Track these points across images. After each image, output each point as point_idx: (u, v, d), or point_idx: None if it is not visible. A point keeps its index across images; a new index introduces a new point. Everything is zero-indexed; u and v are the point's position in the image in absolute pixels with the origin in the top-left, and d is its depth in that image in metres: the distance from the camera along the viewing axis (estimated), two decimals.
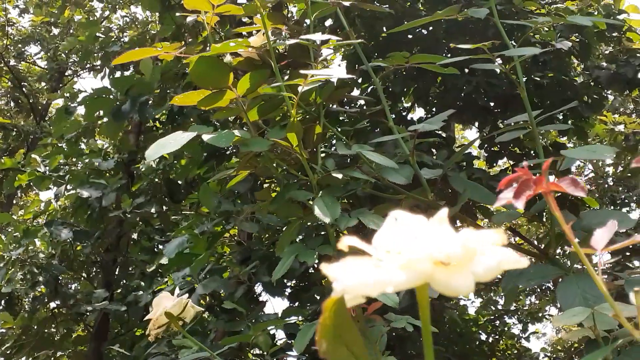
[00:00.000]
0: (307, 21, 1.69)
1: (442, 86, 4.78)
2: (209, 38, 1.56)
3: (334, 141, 2.31)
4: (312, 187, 1.52)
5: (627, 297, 0.64)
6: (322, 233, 2.60)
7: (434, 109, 4.86)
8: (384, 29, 4.65)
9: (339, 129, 2.06)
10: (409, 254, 0.41)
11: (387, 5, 4.75)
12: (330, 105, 1.85)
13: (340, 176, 1.53)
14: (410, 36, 4.53)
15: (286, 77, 1.53)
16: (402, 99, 5.00)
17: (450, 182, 1.76)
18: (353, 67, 4.89)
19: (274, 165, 1.56)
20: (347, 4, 1.57)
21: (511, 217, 1.90)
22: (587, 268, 0.55)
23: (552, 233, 1.60)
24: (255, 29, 1.52)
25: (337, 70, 1.27)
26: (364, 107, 3.00)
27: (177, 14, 4.64)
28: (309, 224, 2.21)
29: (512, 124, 1.79)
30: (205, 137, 1.31)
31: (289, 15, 5.79)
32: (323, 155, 1.60)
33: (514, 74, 1.56)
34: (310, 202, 1.47)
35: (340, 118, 3.43)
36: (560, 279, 1.38)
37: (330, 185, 1.57)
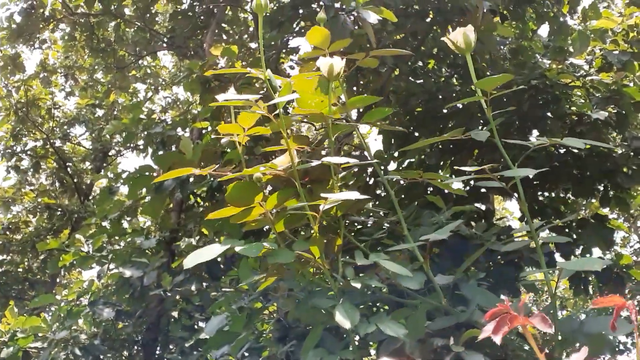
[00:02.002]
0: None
1: (480, 159, 4.79)
2: (241, 159, 1.75)
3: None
4: (333, 294, 1.64)
5: None
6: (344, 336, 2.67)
7: (471, 182, 4.86)
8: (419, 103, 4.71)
9: (359, 237, 2.20)
10: None
11: (422, 81, 4.84)
12: (350, 215, 2.01)
13: (359, 285, 1.65)
14: (445, 110, 4.58)
15: (310, 191, 1.68)
16: (439, 172, 5.02)
17: (461, 289, 1.85)
18: (389, 141, 4.95)
19: (299, 273, 1.68)
20: (363, 127, 1.71)
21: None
22: None
23: (556, 339, 1.63)
24: (282, 148, 1.65)
25: (353, 194, 1.43)
26: (382, 216, 3.16)
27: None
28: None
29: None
30: (237, 249, 1.47)
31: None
32: (343, 262, 1.73)
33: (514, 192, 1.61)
34: (332, 309, 1.58)
35: (360, 227, 3.51)
36: None
37: (350, 292, 1.65)
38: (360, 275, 1.71)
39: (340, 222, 1.77)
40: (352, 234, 3.51)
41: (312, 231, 1.59)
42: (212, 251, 1.46)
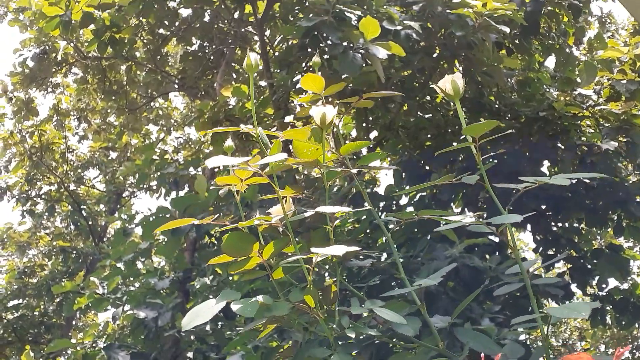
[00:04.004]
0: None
1: (493, 190, 4.79)
2: (239, 210, 1.79)
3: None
4: (330, 343, 1.66)
5: None
6: None
7: (485, 214, 4.85)
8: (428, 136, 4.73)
9: (356, 283, 2.23)
10: None
11: (430, 115, 4.87)
12: (348, 260, 2.03)
13: (353, 334, 1.68)
14: (454, 143, 4.60)
15: (308, 239, 1.73)
16: (452, 205, 5.02)
17: (455, 333, 1.87)
18: (400, 175, 4.97)
19: (296, 322, 1.71)
20: (354, 171, 1.75)
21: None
22: None
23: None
24: (276, 196, 1.70)
25: (340, 249, 1.44)
26: (378, 260, 3.19)
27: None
28: None
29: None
30: (234, 308, 1.49)
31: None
32: (339, 310, 1.76)
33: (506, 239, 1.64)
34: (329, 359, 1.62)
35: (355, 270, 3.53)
36: None
37: (347, 341, 1.69)
38: (355, 323, 1.74)
39: (336, 269, 1.80)
40: (351, 279, 3.52)
41: (307, 282, 1.62)
42: (210, 310, 1.49)
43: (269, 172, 1.61)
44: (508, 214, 1.56)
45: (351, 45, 3.95)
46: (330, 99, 1.82)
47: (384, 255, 3.53)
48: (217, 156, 1.60)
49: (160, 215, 4.45)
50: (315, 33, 4.12)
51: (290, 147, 1.73)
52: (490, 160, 4.45)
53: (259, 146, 1.67)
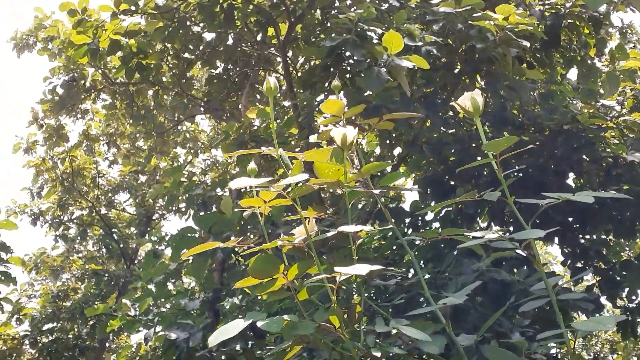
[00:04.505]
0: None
1: (518, 205, 4.76)
2: (263, 232, 1.83)
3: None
4: None
5: None
6: None
7: (510, 228, 4.82)
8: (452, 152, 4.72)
9: (382, 300, 2.24)
10: None
11: (454, 130, 4.86)
12: (372, 280, 2.06)
13: (379, 354, 1.71)
14: (479, 158, 4.59)
15: (332, 259, 1.75)
16: (478, 219, 4.99)
17: (482, 351, 1.85)
18: (425, 190, 4.96)
19: (322, 341, 1.73)
20: (377, 192, 1.77)
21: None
22: None
23: None
24: (300, 217, 1.71)
25: (363, 268, 1.46)
26: (404, 278, 3.19)
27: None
28: None
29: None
30: (260, 324, 1.52)
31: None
32: (365, 329, 1.79)
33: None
34: None
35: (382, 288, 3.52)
36: None
37: None
38: (381, 342, 1.74)
39: (360, 289, 1.81)
40: (379, 297, 3.51)
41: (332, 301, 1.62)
42: (237, 327, 1.52)
43: (292, 195, 1.63)
44: (531, 230, 1.56)
45: (374, 62, 3.97)
46: (352, 118, 1.84)
47: (412, 272, 3.52)
48: (241, 178, 1.64)
49: (187, 235, 4.48)
50: (339, 52, 4.15)
51: (314, 166, 1.76)
52: (514, 175, 4.43)
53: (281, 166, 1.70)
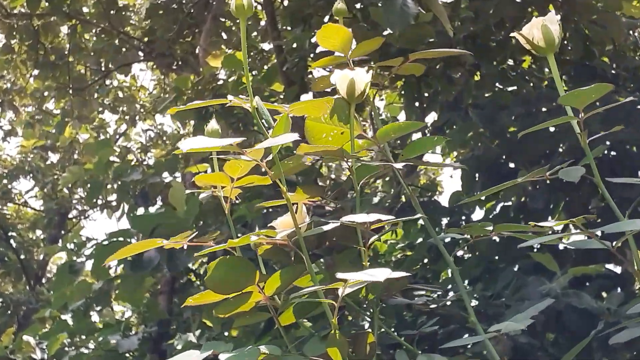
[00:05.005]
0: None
1: (611, 191, 4.76)
2: (230, 227, 1.76)
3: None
4: None
5: None
6: None
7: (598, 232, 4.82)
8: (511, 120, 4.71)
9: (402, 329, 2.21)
10: None
11: (515, 87, 4.86)
12: (390, 298, 1.99)
13: None
14: (552, 129, 4.58)
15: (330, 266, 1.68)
16: (549, 217, 4.98)
17: None
18: (472, 177, 4.96)
19: None
20: (399, 166, 1.67)
21: None
22: None
23: None
24: (283, 202, 1.64)
25: (381, 273, 1.36)
26: (436, 297, 3.14)
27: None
28: None
29: None
30: (222, 358, 1.46)
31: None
32: None
33: None
34: None
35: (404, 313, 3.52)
36: None
37: None
38: None
39: (373, 310, 1.76)
40: (393, 325, 3.51)
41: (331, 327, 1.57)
42: None
43: (275, 173, 1.57)
44: (629, 221, 1.53)
45: None
46: (364, 65, 1.80)
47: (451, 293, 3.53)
48: (196, 137, 1.54)
49: (117, 239, 4.47)
50: None
51: (305, 129, 1.69)
52: (607, 149, 4.43)
53: (260, 131, 1.62)
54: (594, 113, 1.57)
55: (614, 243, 1.60)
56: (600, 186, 1.57)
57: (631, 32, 4.98)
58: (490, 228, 1.77)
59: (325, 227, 1.62)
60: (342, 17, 1.91)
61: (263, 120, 1.57)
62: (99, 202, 10.44)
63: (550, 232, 1.66)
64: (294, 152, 1.61)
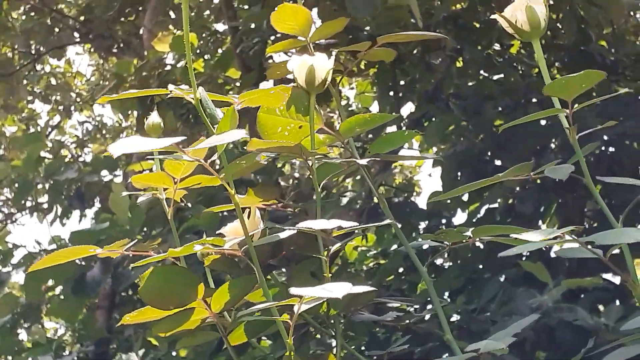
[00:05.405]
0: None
1: (607, 200, 4.79)
2: (173, 232, 1.75)
3: None
4: None
5: None
6: None
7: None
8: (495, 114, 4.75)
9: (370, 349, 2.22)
10: None
11: (502, 75, 4.88)
12: (355, 313, 1.96)
13: None
14: (543, 122, 4.61)
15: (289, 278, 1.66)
16: (539, 221, 5.01)
17: None
18: (453, 176, 4.98)
19: None
20: (364, 162, 1.64)
21: None
22: None
23: None
24: (231, 207, 1.60)
25: (340, 288, 1.34)
26: (412, 311, 3.14)
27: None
28: None
29: None
30: None
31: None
32: None
33: None
34: None
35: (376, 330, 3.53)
36: None
37: None
38: None
39: (337, 327, 1.75)
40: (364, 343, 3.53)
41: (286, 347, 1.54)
42: None
43: (225, 174, 1.54)
44: (623, 229, 1.51)
45: None
46: (330, 49, 1.77)
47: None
48: (131, 138, 1.50)
49: (54, 249, 4.46)
50: None
51: (257, 122, 1.65)
52: (605, 140, 4.46)
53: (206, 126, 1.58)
54: (587, 105, 1.56)
55: (607, 252, 1.58)
56: (591, 187, 1.56)
57: (632, 13, 5.03)
58: (469, 233, 1.73)
59: (282, 235, 1.60)
60: None
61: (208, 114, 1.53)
62: (28, 204, 10.39)
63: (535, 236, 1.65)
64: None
